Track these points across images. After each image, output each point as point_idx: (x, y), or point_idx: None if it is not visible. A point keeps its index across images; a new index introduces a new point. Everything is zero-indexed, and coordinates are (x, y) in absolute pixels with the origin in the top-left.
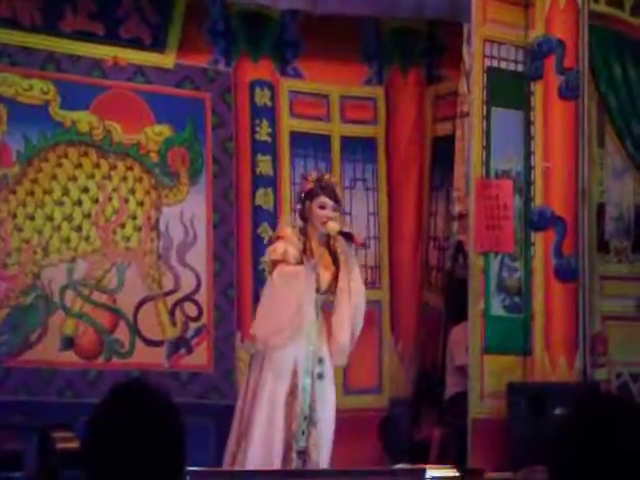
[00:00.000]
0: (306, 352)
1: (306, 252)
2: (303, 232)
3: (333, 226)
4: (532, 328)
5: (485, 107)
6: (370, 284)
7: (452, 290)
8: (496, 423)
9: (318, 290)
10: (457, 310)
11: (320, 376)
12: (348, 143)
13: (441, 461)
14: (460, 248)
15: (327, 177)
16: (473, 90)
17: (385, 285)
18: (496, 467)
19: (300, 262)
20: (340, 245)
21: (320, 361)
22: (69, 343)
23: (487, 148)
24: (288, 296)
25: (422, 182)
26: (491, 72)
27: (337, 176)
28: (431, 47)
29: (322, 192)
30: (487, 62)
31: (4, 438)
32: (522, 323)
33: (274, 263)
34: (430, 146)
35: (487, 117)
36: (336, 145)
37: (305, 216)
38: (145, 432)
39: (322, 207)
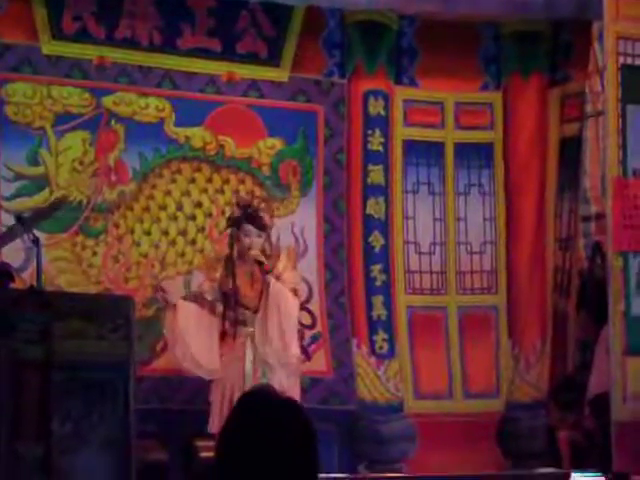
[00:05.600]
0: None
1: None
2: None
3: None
4: None
5: (620, 105)
6: (486, 289)
7: (589, 291)
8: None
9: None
10: (595, 311)
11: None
12: (462, 149)
13: (575, 465)
14: (598, 249)
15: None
16: (607, 88)
17: (502, 289)
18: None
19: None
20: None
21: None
22: None
23: (623, 147)
24: None
25: (543, 184)
26: (625, 69)
27: (450, 182)
28: (555, 48)
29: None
30: (621, 59)
31: (147, 448)
32: None
33: None
34: (557, 147)
35: (622, 115)
36: (450, 152)
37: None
38: (279, 438)
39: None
